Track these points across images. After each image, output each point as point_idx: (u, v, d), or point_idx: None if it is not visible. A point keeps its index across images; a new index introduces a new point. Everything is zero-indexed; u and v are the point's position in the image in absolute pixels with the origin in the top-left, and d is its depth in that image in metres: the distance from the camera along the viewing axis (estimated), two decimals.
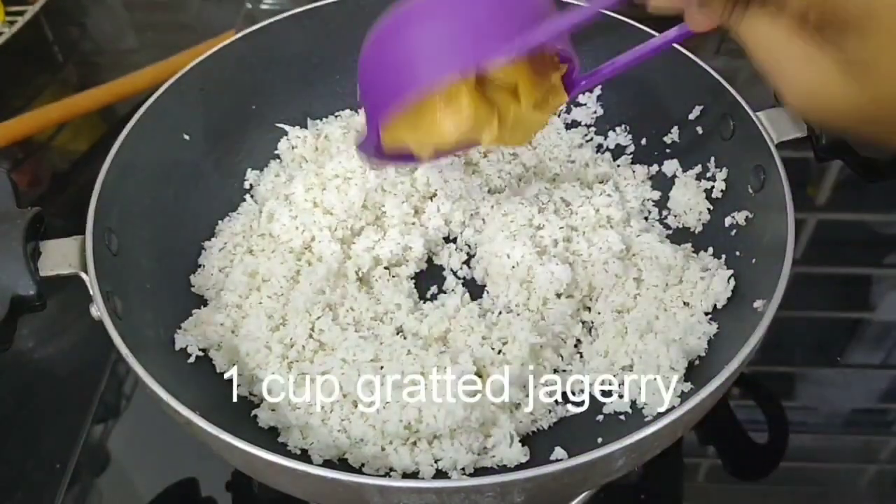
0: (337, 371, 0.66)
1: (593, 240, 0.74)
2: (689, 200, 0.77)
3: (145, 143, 0.73)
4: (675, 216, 0.78)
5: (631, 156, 0.83)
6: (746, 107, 0.70)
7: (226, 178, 0.81)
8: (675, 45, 0.77)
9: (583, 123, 0.86)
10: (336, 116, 0.86)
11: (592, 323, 0.71)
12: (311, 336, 0.68)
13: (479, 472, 0.62)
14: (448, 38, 0.58)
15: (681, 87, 0.78)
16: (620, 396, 0.66)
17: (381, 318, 0.71)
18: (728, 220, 0.73)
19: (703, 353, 0.67)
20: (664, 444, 0.57)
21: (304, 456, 0.63)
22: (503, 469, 0.62)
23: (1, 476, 0.75)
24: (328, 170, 0.77)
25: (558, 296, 0.71)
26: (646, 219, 0.79)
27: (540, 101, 0.65)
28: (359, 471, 0.62)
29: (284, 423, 0.65)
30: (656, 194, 0.80)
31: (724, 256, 0.72)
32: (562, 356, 0.69)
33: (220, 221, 0.79)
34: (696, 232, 0.77)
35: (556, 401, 0.67)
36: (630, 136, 0.84)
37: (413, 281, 0.75)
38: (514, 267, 0.72)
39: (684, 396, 0.63)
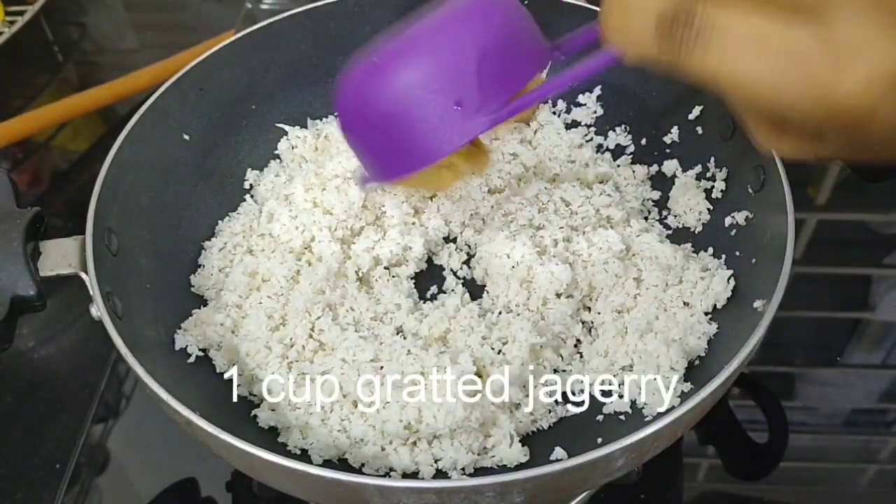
0: (337, 371, 0.66)
1: (593, 240, 0.74)
2: (689, 200, 0.77)
3: (145, 143, 0.73)
4: (675, 216, 0.78)
5: (631, 156, 0.83)
6: None
7: (226, 178, 0.81)
8: None
9: (583, 123, 0.86)
10: (336, 116, 0.86)
11: (592, 323, 0.71)
12: (311, 336, 0.68)
13: (479, 472, 0.62)
14: (448, 112, 0.56)
15: (681, 87, 0.78)
16: (620, 396, 0.66)
17: (381, 318, 0.71)
18: (728, 220, 0.73)
19: (703, 353, 0.67)
20: (664, 444, 0.57)
21: (304, 456, 0.63)
22: (503, 469, 0.62)
23: (1, 476, 0.75)
24: (328, 170, 0.77)
25: (558, 296, 0.71)
26: (646, 219, 0.79)
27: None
28: (359, 471, 0.62)
29: (284, 423, 0.65)
30: (656, 194, 0.80)
31: (724, 256, 0.72)
32: (562, 356, 0.69)
33: (220, 221, 0.79)
34: (696, 232, 0.77)
35: (556, 401, 0.67)
36: (630, 136, 0.84)
37: (413, 281, 0.75)
38: (514, 267, 0.72)
39: (684, 396, 0.63)
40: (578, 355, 0.70)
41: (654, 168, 0.81)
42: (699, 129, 0.77)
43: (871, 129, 0.42)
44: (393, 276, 0.75)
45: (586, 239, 0.74)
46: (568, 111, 0.86)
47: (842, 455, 0.76)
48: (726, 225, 0.73)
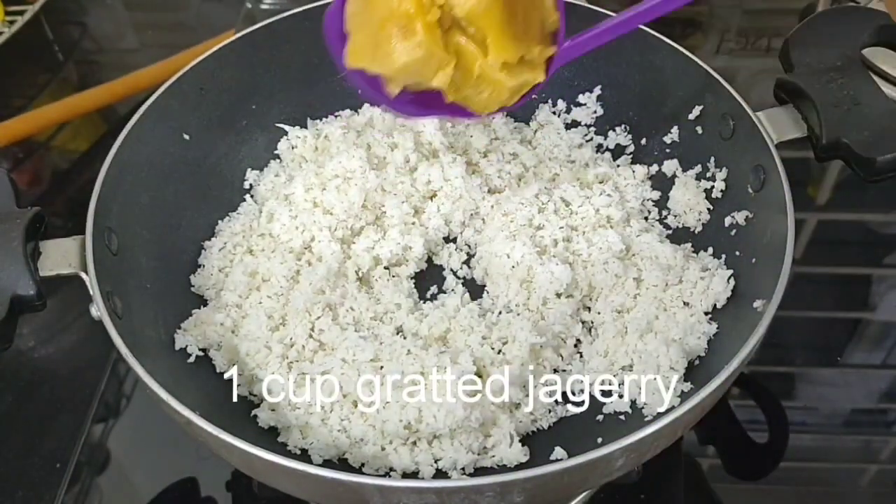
0: (337, 371, 0.66)
1: (593, 240, 0.74)
2: (689, 200, 0.77)
3: (145, 143, 0.73)
4: (675, 216, 0.78)
5: (631, 156, 0.83)
6: (746, 107, 0.70)
7: (226, 178, 0.81)
8: (676, 45, 0.77)
9: (583, 123, 0.86)
10: (336, 116, 0.86)
11: (592, 323, 0.71)
12: (310, 336, 0.68)
13: (479, 471, 0.62)
14: None
15: (681, 87, 0.78)
16: (620, 396, 0.66)
17: (381, 318, 0.71)
18: (728, 220, 0.73)
19: (702, 353, 0.67)
20: (664, 443, 0.57)
21: (304, 456, 0.63)
22: (503, 469, 0.62)
23: (1, 476, 0.75)
24: (328, 170, 0.77)
25: (558, 296, 0.71)
26: (645, 219, 0.79)
27: (512, 66, 0.61)
28: (359, 471, 0.62)
29: (284, 423, 0.65)
30: (656, 194, 0.80)
31: (724, 256, 0.72)
32: (562, 356, 0.69)
33: (220, 221, 0.79)
34: (696, 232, 0.77)
35: (556, 401, 0.67)
36: (630, 136, 0.84)
37: (413, 281, 0.75)
38: (514, 267, 0.72)
39: (684, 396, 0.63)
40: (578, 355, 0.70)
41: (654, 168, 0.81)
42: (699, 129, 0.78)
43: None
44: (393, 276, 0.75)
45: (586, 239, 0.74)
46: (568, 111, 0.86)
47: (842, 455, 0.76)
48: (726, 225, 0.73)
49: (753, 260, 0.68)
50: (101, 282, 0.60)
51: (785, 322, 0.82)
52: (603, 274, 0.72)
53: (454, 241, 0.79)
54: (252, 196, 0.81)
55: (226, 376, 0.68)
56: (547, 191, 0.78)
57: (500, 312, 0.70)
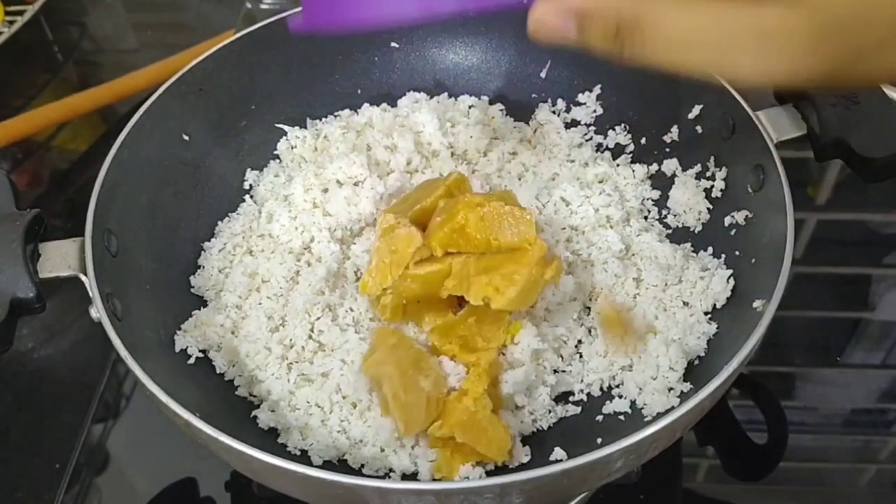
0: (336, 372, 0.66)
1: (593, 240, 0.74)
2: (689, 200, 0.77)
3: (145, 143, 0.73)
4: (675, 216, 0.78)
5: (631, 155, 0.83)
6: (746, 106, 0.70)
7: (226, 179, 0.81)
8: None
9: (582, 123, 0.85)
10: (336, 116, 0.86)
11: (592, 322, 0.71)
12: (310, 337, 0.68)
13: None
14: None
15: (681, 87, 0.78)
16: (620, 396, 0.66)
17: (380, 320, 0.70)
18: (728, 220, 0.73)
19: (702, 353, 0.67)
20: (663, 444, 0.57)
21: (304, 457, 0.63)
22: (503, 469, 0.62)
23: (1, 476, 0.75)
24: (328, 172, 0.77)
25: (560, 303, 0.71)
26: (645, 218, 0.79)
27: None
28: (358, 472, 0.62)
29: (284, 424, 0.65)
30: (656, 194, 0.80)
31: (723, 256, 0.72)
32: (562, 356, 0.69)
33: (219, 222, 0.79)
34: (696, 231, 0.77)
35: (555, 401, 0.67)
36: (630, 136, 0.83)
37: None
38: None
39: (684, 396, 0.63)
40: (578, 355, 0.70)
41: (654, 167, 0.81)
42: (699, 129, 0.77)
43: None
44: None
45: (586, 239, 0.74)
46: (568, 110, 0.86)
47: (842, 455, 0.76)
48: (726, 224, 0.73)
49: (753, 260, 0.68)
50: (100, 283, 0.60)
51: (785, 322, 0.82)
52: (603, 274, 0.72)
53: None
54: (252, 196, 0.81)
55: (226, 377, 0.68)
56: (547, 191, 0.78)
57: None
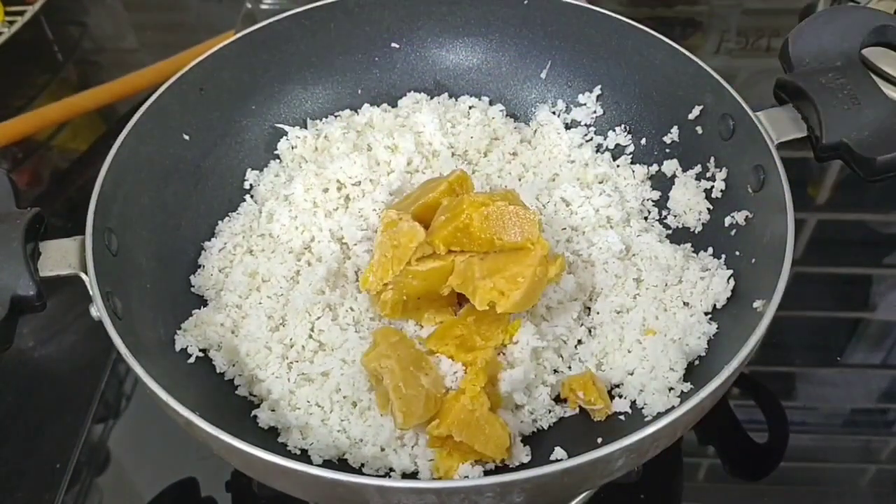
0: (337, 371, 0.66)
1: (593, 240, 0.74)
2: (689, 200, 0.77)
3: (145, 143, 0.73)
4: (675, 216, 0.78)
5: (631, 156, 0.83)
6: (746, 107, 0.70)
7: (226, 178, 0.81)
8: (676, 45, 0.77)
9: (583, 123, 0.86)
10: (336, 116, 0.86)
11: (592, 322, 0.71)
12: (310, 336, 0.68)
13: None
14: None
15: (681, 87, 0.78)
16: (621, 396, 0.66)
17: (380, 319, 0.70)
18: (728, 220, 0.73)
19: (702, 353, 0.67)
20: (664, 444, 0.57)
21: (304, 456, 0.63)
22: (503, 469, 0.62)
23: (1, 476, 0.75)
24: (329, 172, 0.77)
25: (560, 302, 0.71)
26: (645, 219, 0.79)
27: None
28: (358, 471, 0.62)
29: (284, 423, 0.65)
30: (656, 194, 0.80)
31: (723, 256, 0.72)
32: (562, 356, 0.69)
33: (220, 221, 0.79)
34: (696, 232, 0.77)
35: (555, 400, 0.67)
36: (630, 136, 0.83)
37: None
38: None
39: (684, 396, 0.63)
40: (578, 355, 0.69)
41: (654, 168, 0.81)
42: (699, 129, 0.77)
43: None
44: None
45: (586, 239, 0.74)
46: (568, 111, 0.86)
47: (842, 455, 0.76)
48: (726, 225, 0.73)
49: (753, 260, 0.68)
50: (100, 282, 0.60)
51: (785, 322, 0.82)
52: (603, 274, 0.72)
53: None
54: (252, 196, 0.81)
55: (226, 377, 0.68)
56: (547, 191, 0.78)
57: None
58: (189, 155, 0.78)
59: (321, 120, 0.86)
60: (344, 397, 0.65)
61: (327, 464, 0.62)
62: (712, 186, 0.76)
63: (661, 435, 0.53)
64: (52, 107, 1.03)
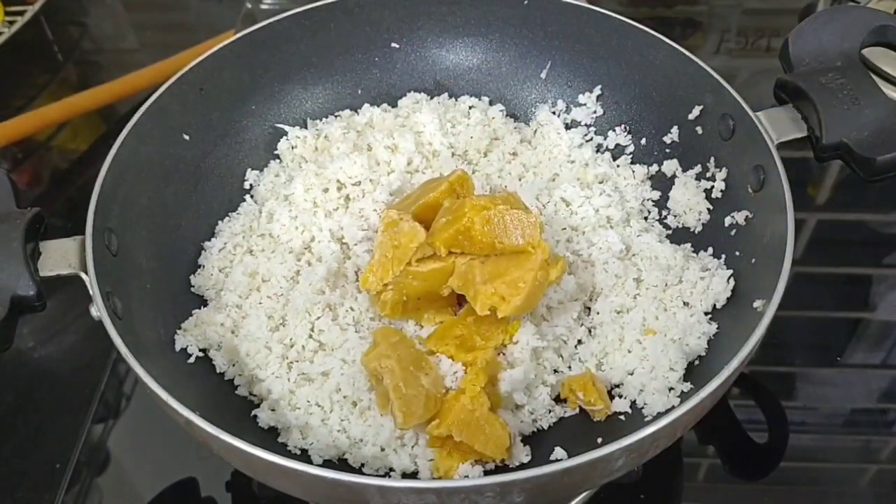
0: (337, 371, 0.66)
1: (593, 240, 0.74)
2: (689, 200, 0.77)
3: (145, 143, 0.73)
4: (675, 216, 0.78)
5: (631, 156, 0.83)
6: (746, 107, 0.70)
7: (226, 178, 0.81)
8: (676, 45, 0.77)
9: (583, 123, 0.86)
10: (336, 116, 0.86)
11: (592, 322, 0.71)
12: (310, 336, 0.68)
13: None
14: None
15: (681, 87, 0.78)
16: (621, 396, 0.66)
17: (380, 319, 0.70)
18: (728, 220, 0.73)
19: (703, 353, 0.67)
20: (664, 444, 0.57)
21: (304, 456, 0.63)
22: (503, 469, 0.62)
23: (1, 476, 0.75)
24: (329, 171, 0.77)
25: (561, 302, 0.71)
26: (645, 219, 0.79)
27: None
28: (358, 471, 0.62)
29: (284, 423, 0.65)
30: (656, 194, 0.80)
31: (723, 256, 0.72)
32: (562, 356, 0.69)
33: (220, 221, 0.79)
34: (696, 232, 0.77)
35: (555, 400, 0.67)
36: (630, 136, 0.84)
37: None
38: None
39: (684, 396, 0.63)
40: (578, 356, 0.69)
41: (654, 168, 0.81)
42: (699, 129, 0.77)
43: None
44: None
45: (586, 239, 0.74)
46: (568, 111, 0.86)
47: (842, 455, 0.76)
48: (726, 225, 0.73)
49: (753, 260, 0.68)
50: (100, 282, 0.60)
51: (785, 322, 0.82)
52: (603, 274, 0.72)
53: None
54: (252, 196, 0.81)
55: (226, 376, 0.68)
56: (547, 191, 0.78)
57: None
58: (189, 155, 0.78)
59: (321, 120, 0.86)
60: (344, 397, 0.65)
61: (327, 464, 0.62)
62: (712, 186, 0.76)
63: (661, 435, 0.53)
64: (52, 107, 1.03)
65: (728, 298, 0.69)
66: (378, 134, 0.81)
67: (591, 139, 0.85)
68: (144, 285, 0.68)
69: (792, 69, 0.72)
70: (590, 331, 0.71)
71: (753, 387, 0.81)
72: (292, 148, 0.83)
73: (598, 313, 0.71)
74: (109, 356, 0.83)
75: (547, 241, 0.67)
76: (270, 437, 0.64)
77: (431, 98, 0.87)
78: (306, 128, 0.85)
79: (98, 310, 0.59)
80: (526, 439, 0.65)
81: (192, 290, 0.74)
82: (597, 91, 0.85)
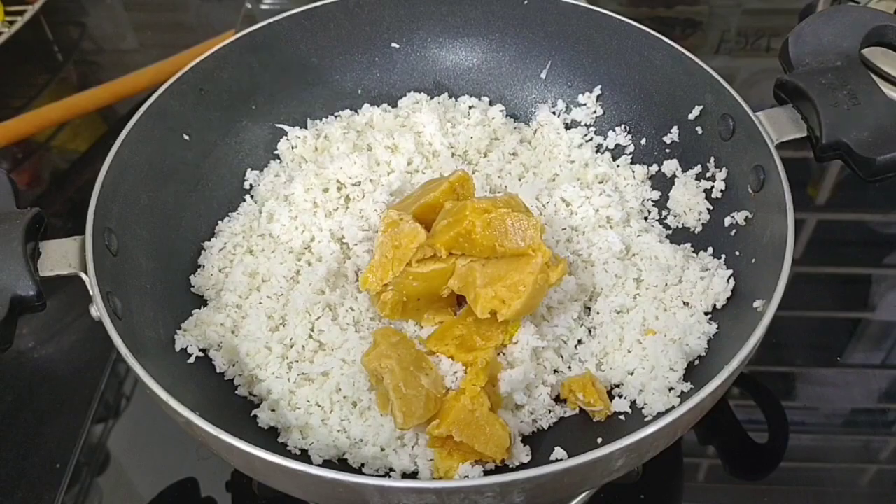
0: (337, 371, 0.66)
1: (593, 240, 0.74)
2: (689, 200, 0.77)
3: (145, 143, 0.73)
4: (675, 216, 0.78)
5: (631, 156, 0.83)
6: (746, 107, 0.70)
7: (226, 178, 0.81)
8: (676, 45, 0.77)
9: (583, 123, 0.86)
10: (336, 116, 0.86)
11: (592, 322, 0.71)
12: (310, 336, 0.69)
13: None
14: None
15: (681, 87, 0.78)
16: (621, 396, 0.66)
17: (380, 319, 0.70)
18: (728, 220, 0.73)
19: (703, 353, 0.67)
20: (664, 444, 0.57)
21: (304, 456, 0.63)
22: (503, 469, 0.62)
23: (1, 476, 0.75)
24: (330, 171, 0.77)
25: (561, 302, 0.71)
26: (645, 219, 0.79)
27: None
28: (358, 471, 0.62)
29: (284, 423, 0.65)
30: (656, 194, 0.80)
31: (723, 256, 0.72)
32: (562, 356, 0.69)
33: (220, 221, 0.79)
34: (696, 232, 0.77)
35: (555, 400, 0.67)
36: (630, 136, 0.84)
37: None
38: None
39: (684, 396, 0.63)
40: (578, 356, 0.69)
41: (654, 168, 0.81)
42: (699, 129, 0.77)
43: None
44: None
45: (586, 239, 0.74)
46: (568, 111, 0.86)
47: (842, 455, 0.76)
48: (726, 225, 0.73)
49: (753, 260, 0.68)
50: (100, 282, 0.60)
51: (785, 322, 0.82)
52: (603, 274, 0.72)
53: None
54: (252, 196, 0.81)
55: (226, 376, 0.68)
56: (547, 191, 0.78)
57: None
58: (189, 155, 0.78)
59: (321, 120, 0.86)
60: (344, 397, 0.65)
61: (327, 464, 0.62)
62: (712, 186, 0.76)
63: (661, 435, 0.53)
64: (52, 107, 1.03)
65: (728, 298, 0.69)
66: (378, 134, 0.81)
67: (591, 139, 0.85)
68: (144, 285, 0.68)
69: (792, 69, 0.72)
70: (590, 331, 0.71)
71: (753, 387, 0.81)
72: (292, 148, 0.83)
73: (598, 313, 0.71)
74: (109, 356, 0.83)
75: (547, 240, 0.67)
76: (270, 437, 0.64)
77: (431, 98, 0.87)
78: (306, 128, 0.85)
79: (98, 310, 0.59)
80: (526, 439, 0.65)
81: (192, 290, 0.74)
82: (597, 91, 0.85)
